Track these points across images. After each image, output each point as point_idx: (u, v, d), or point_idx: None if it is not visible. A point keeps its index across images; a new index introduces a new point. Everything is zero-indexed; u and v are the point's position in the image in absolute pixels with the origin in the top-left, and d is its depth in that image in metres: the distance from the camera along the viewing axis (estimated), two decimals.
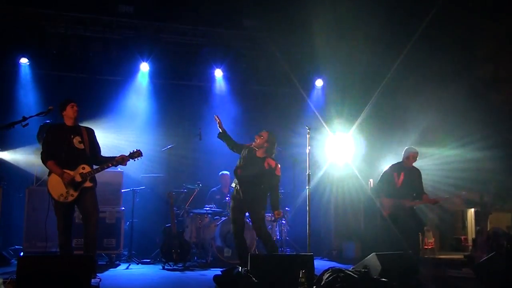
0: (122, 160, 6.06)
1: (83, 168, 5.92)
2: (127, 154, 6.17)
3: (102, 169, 6.04)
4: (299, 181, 8.62)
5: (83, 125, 6.28)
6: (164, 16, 10.04)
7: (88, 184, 5.94)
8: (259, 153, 6.52)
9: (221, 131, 6.82)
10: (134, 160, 6.25)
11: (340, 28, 9.78)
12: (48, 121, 7.97)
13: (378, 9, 9.10)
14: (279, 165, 6.54)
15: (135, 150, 6.24)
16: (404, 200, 6.79)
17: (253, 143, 6.56)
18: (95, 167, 6.09)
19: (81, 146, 5.99)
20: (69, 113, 6.02)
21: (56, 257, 5.51)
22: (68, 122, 6.06)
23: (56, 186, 5.84)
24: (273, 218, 8.65)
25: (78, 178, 5.87)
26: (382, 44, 10.15)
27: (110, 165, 6.05)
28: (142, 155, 6.25)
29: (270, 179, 6.43)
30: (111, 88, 9.93)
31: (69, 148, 5.92)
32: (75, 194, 5.87)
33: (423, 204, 7.01)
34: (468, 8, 9.14)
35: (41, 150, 6.03)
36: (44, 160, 5.94)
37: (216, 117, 6.81)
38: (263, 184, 6.40)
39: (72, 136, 5.97)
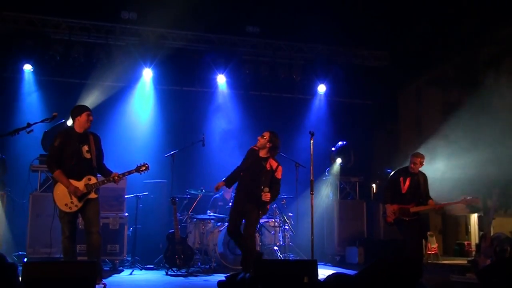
0: (116, 178, 6.04)
1: (89, 179, 5.90)
2: (134, 167, 6.21)
3: (103, 183, 6.03)
4: (302, 187, 8.62)
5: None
6: (167, 23, 10.08)
7: (93, 195, 5.93)
8: (262, 153, 6.50)
9: (225, 183, 6.80)
10: (140, 174, 6.26)
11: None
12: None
13: None
14: (281, 168, 6.49)
15: (142, 163, 6.24)
16: (408, 206, 6.78)
17: (256, 144, 6.56)
18: (99, 177, 6.11)
19: (88, 155, 5.96)
20: (83, 120, 5.96)
21: (61, 263, 5.51)
22: (79, 129, 5.99)
23: (62, 196, 5.84)
24: (276, 224, 8.68)
25: (84, 189, 5.86)
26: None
27: (106, 181, 6.04)
28: (149, 169, 6.25)
29: (270, 180, 6.35)
30: (115, 94, 9.96)
31: (78, 158, 5.89)
32: (79, 205, 5.86)
33: (428, 209, 6.98)
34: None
35: (48, 156, 6.01)
36: (52, 168, 5.91)
37: (216, 188, 6.85)
38: (263, 185, 6.28)
39: (81, 145, 5.94)
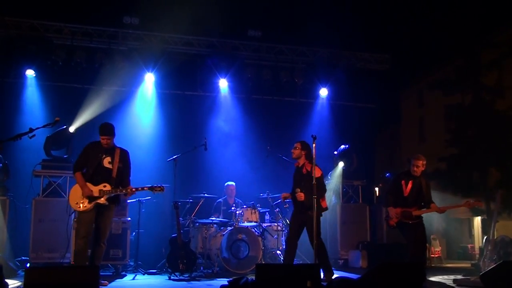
0: (129, 191, 6.41)
1: (104, 186, 6.30)
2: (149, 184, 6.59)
3: (115, 192, 6.33)
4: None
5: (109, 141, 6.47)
6: (168, 27, 10.11)
7: (102, 201, 6.26)
8: (300, 162, 7.03)
9: (291, 196, 7.09)
10: (154, 193, 6.64)
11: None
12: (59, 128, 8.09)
13: None
14: (317, 167, 6.78)
15: (158, 185, 6.55)
16: (411, 209, 6.75)
17: (292, 157, 7.06)
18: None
19: (110, 166, 6.40)
20: (102, 141, 6.40)
21: (63, 268, 5.55)
22: (103, 144, 6.45)
23: (74, 195, 6.29)
24: (279, 228, 8.68)
25: (96, 193, 6.28)
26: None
27: (119, 191, 6.36)
28: (163, 191, 6.57)
29: (310, 182, 6.64)
30: (117, 98, 9.96)
31: (98, 166, 6.35)
32: (88, 206, 6.23)
33: (431, 212, 6.95)
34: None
35: (75, 160, 6.54)
36: (74, 170, 6.47)
37: (283, 198, 7.21)
38: (304, 189, 6.77)
39: (104, 156, 6.40)
